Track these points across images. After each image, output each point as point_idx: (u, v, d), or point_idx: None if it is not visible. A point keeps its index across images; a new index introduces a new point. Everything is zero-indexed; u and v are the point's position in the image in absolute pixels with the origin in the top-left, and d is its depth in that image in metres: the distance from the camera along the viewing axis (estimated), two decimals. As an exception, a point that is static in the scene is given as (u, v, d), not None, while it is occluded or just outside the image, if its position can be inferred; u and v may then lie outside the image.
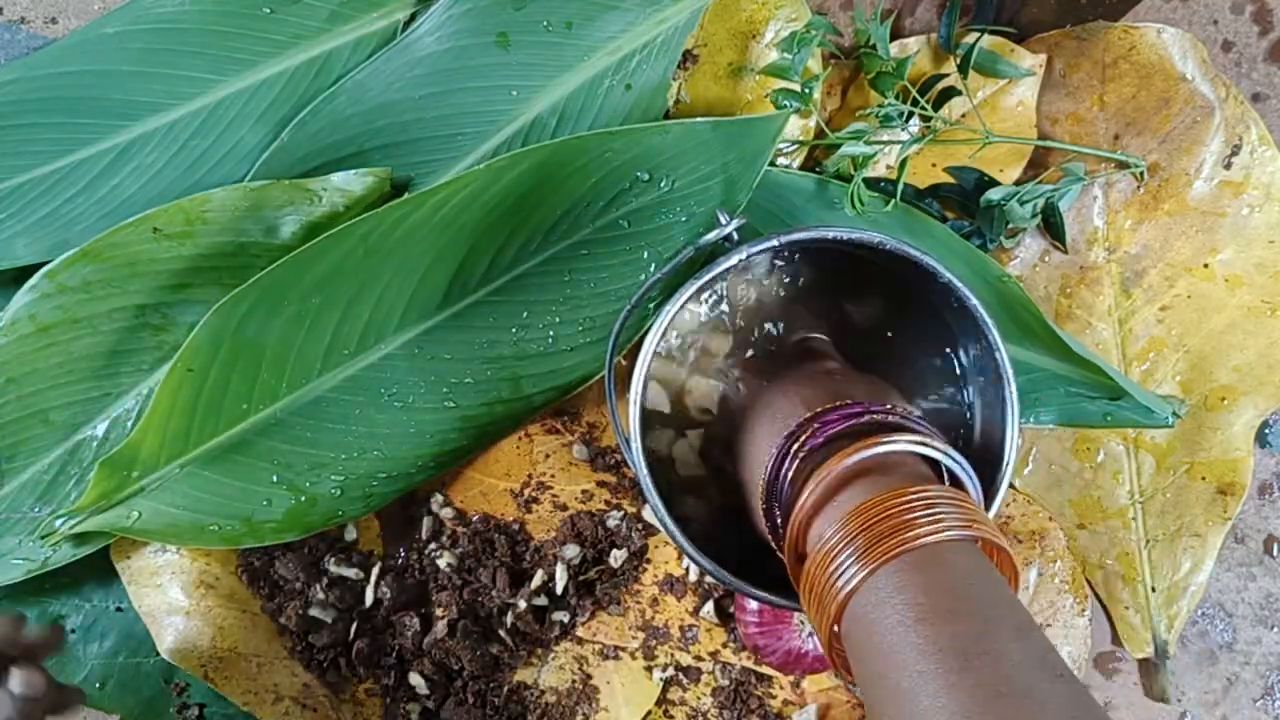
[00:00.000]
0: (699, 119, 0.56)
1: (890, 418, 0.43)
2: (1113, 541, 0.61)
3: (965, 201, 0.60)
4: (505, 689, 0.60)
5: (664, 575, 0.61)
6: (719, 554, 0.49)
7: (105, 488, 0.54)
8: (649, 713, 0.61)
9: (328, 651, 0.60)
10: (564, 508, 0.61)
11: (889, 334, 0.54)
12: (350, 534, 0.61)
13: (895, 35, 0.61)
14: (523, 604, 0.59)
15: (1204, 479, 0.61)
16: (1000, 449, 0.50)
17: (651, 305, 0.58)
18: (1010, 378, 0.49)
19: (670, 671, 0.61)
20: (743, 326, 0.54)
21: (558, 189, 0.55)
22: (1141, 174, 0.61)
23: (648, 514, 0.61)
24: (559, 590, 0.59)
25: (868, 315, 0.55)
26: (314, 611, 0.59)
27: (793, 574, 0.43)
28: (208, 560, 0.59)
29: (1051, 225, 0.61)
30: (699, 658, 0.61)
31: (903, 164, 0.59)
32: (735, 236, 0.52)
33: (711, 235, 0.53)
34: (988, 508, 0.48)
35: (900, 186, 0.59)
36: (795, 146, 0.60)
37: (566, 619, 0.60)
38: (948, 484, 0.42)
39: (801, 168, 0.61)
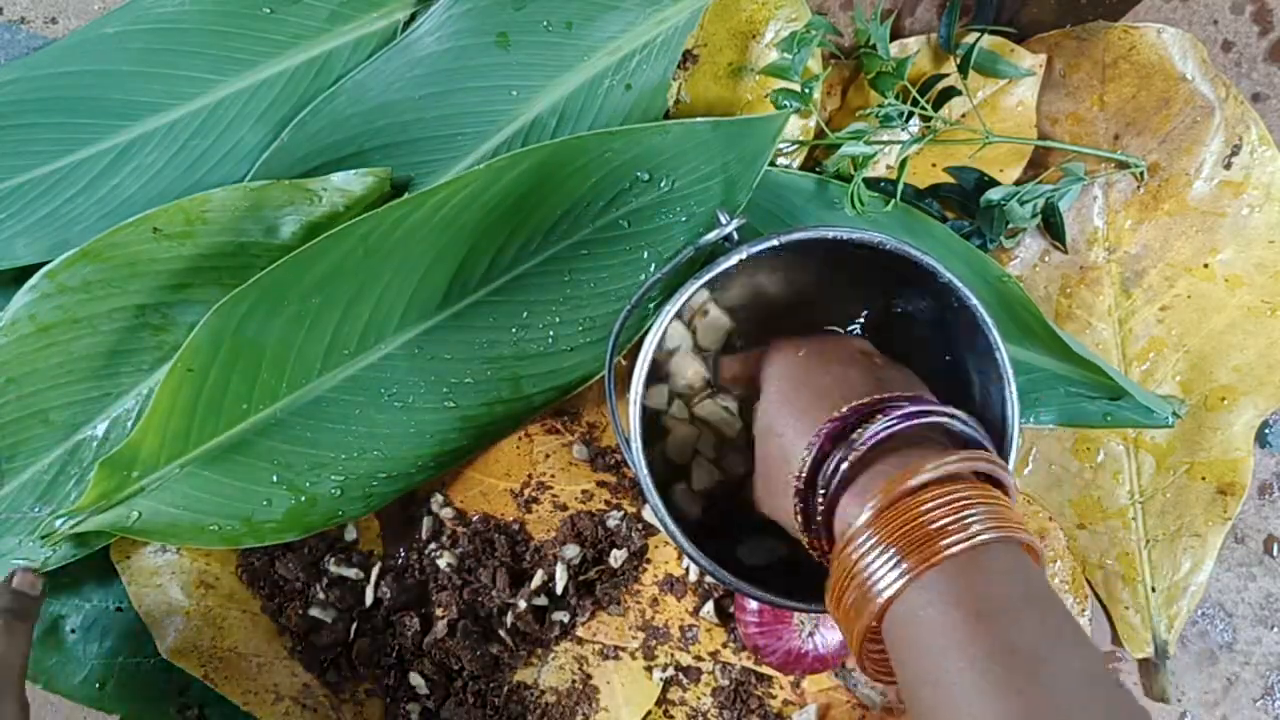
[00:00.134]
0: (699, 119, 0.56)
1: (955, 424, 0.43)
2: (1113, 541, 0.61)
3: (965, 201, 0.60)
4: (505, 689, 0.60)
5: (664, 575, 0.61)
6: (719, 554, 0.49)
7: (105, 488, 0.54)
8: (649, 713, 0.61)
9: (328, 651, 0.60)
10: (564, 508, 0.61)
11: (889, 334, 0.54)
12: (350, 534, 0.61)
13: (895, 35, 0.61)
14: (523, 604, 0.59)
15: (1204, 479, 0.61)
16: (1000, 449, 0.50)
17: (651, 305, 0.58)
18: (1010, 378, 0.49)
19: (670, 671, 0.61)
20: (743, 326, 0.54)
21: (558, 189, 0.55)
22: (1141, 174, 0.61)
23: (648, 514, 0.61)
24: (559, 590, 0.59)
25: (868, 315, 0.55)
26: (314, 611, 0.59)
27: (826, 560, 0.42)
28: (208, 560, 0.59)
29: (1051, 225, 0.61)
30: (699, 658, 0.61)
31: (903, 164, 0.59)
32: (735, 236, 0.52)
33: (711, 235, 0.53)
34: None
35: (900, 186, 0.59)
36: (795, 146, 0.60)
37: (566, 619, 0.60)
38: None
39: (801, 168, 0.61)
